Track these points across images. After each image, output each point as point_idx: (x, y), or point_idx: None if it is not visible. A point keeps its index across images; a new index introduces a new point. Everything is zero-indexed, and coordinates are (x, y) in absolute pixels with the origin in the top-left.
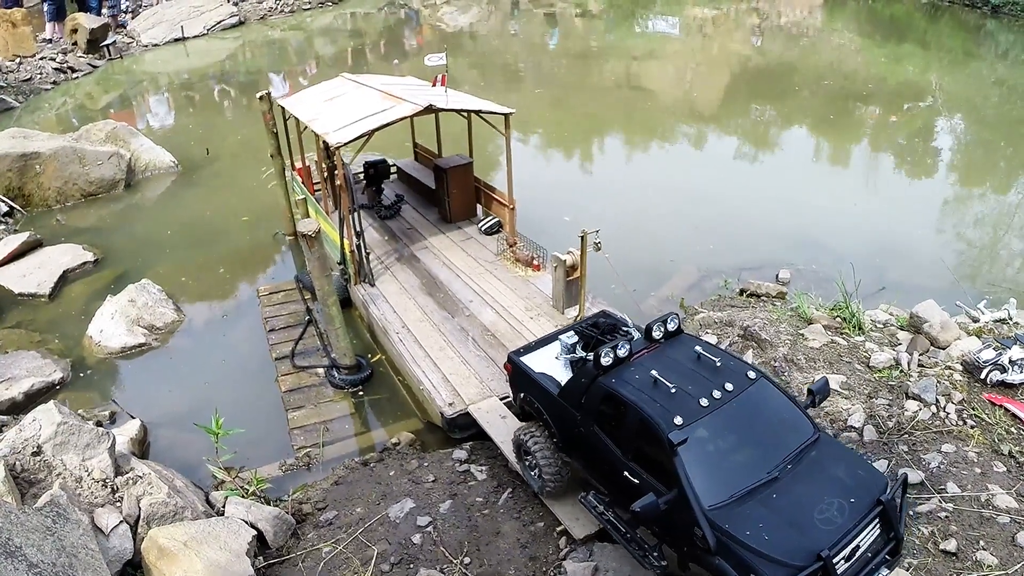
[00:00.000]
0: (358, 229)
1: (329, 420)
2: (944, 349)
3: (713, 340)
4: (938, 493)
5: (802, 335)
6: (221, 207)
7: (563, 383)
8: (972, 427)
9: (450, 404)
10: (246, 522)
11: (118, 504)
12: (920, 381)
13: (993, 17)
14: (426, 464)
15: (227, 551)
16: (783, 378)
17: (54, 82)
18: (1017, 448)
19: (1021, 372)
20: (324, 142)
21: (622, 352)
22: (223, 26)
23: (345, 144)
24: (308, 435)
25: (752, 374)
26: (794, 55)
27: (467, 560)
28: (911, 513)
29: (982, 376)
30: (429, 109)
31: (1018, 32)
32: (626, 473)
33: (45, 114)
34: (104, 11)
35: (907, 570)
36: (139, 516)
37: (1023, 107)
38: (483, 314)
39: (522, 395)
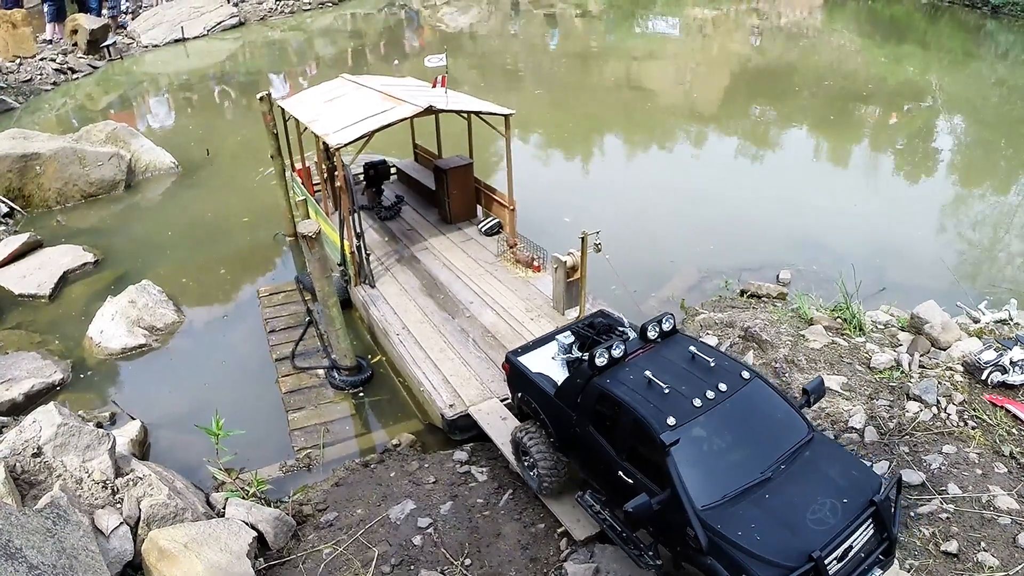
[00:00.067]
0: (358, 230)
1: (329, 421)
2: (945, 350)
3: (714, 341)
4: (939, 494)
5: (803, 336)
6: (221, 208)
7: (560, 383)
8: (973, 428)
9: (451, 406)
10: (247, 523)
11: (118, 505)
12: (921, 382)
13: (993, 17)
14: (427, 465)
15: (228, 552)
16: (784, 379)
17: (54, 83)
18: (1018, 449)
19: (1022, 373)
20: (324, 143)
21: (617, 352)
22: (223, 27)
23: (345, 145)
24: (309, 436)
25: (746, 374)
26: (794, 56)
27: (468, 562)
28: (912, 514)
29: (983, 377)
30: (429, 110)
31: (1018, 32)
32: (620, 473)
33: (45, 115)
34: (104, 12)
35: (908, 572)
36: (139, 517)
37: (1023, 107)
38: (483, 315)
39: (520, 395)
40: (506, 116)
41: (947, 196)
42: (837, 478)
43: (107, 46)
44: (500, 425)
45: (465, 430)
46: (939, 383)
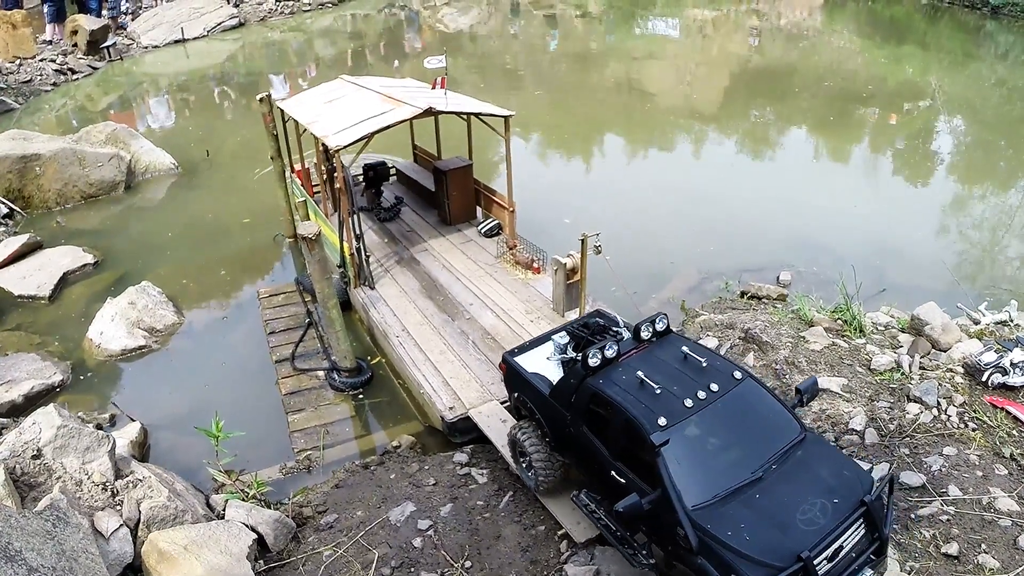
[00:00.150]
0: (358, 232)
1: (329, 423)
2: (945, 351)
3: (714, 343)
4: (940, 496)
5: (803, 338)
6: (221, 209)
7: (555, 383)
8: (974, 430)
9: (450, 408)
10: (246, 525)
11: (118, 508)
12: (921, 384)
13: (993, 18)
14: (427, 467)
15: (227, 555)
16: (784, 381)
17: (54, 84)
18: (1019, 451)
19: (1022, 375)
20: (323, 145)
21: (610, 353)
22: (223, 28)
23: (345, 147)
24: (308, 438)
25: (738, 374)
26: (794, 56)
27: (468, 564)
28: (912, 516)
29: (983, 379)
30: (429, 112)
31: (1018, 33)
32: (613, 473)
33: (45, 116)
34: (104, 13)
35: (909, 574)
36: (139, 519)
37: (1023, 108)
38: (483, 317)
39: (516, 395)
40: (506, 118)
41: (947, 197)
42: (828, 478)
43: (107, 47)
44: (500, 427)
45: (465, 432)
46: (939, 385)
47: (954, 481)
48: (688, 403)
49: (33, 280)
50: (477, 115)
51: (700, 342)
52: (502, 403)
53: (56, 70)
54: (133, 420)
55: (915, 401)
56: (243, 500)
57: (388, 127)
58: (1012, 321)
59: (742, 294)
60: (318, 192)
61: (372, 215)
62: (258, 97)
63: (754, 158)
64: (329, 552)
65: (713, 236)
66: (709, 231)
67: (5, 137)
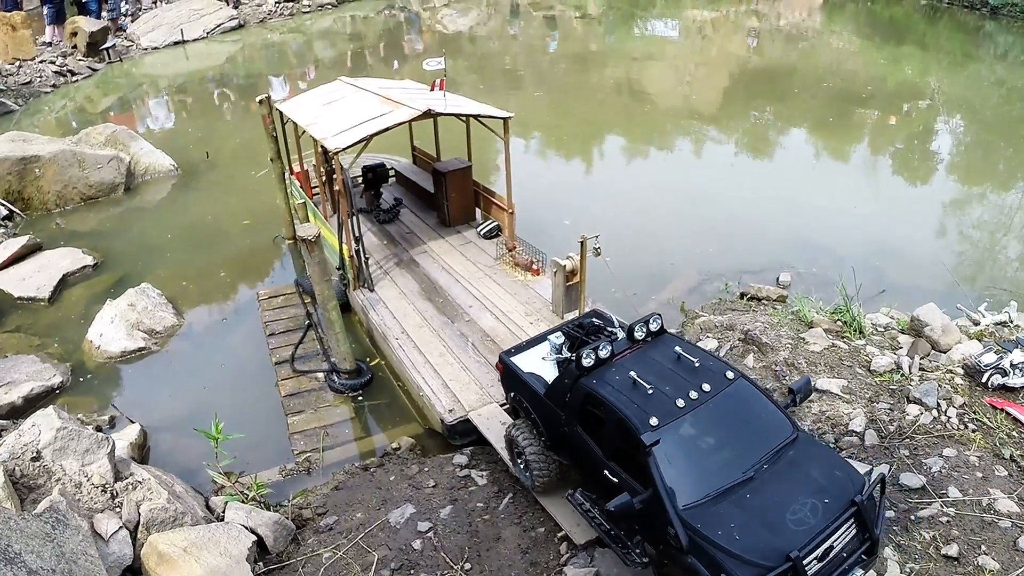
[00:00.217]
0: (357, 234)
1: (329, 425)
2: (945, 353)
3: (714, 344)
4: (940, 498)
5: (803, 339)
6: (221, 210)
7: (550, 383)
8: (973, 431)
9: (450, 411)
10: (246, 527)
11: (118, 510)
12: (921, 385)
13: (992, 19)
14: (426, 469)
15: (227, 557)
16: (784, 382)
17: (54, 85)
18: (1018, 452)
19: (1022, 376)
20: (322, 147)
21: (604, 353)
22: (223, 29)
23: (344, 150)
24: (308, 440)
25: (730, 374)
26: (793, 57)
27: (468, 566)
28: (912, 518)
29: (983, 380)
30: (428, 114)
31: (1017, 33)
32: (606, 472)
33: (45, 117)
34: (104, 14)
35: (908, 575)
36: (139, 522)
37: (1022, 108)
38: (482, 319)
39: (512, 394)
40: (504, 119)
41: (946, 197)
42: (819, 478)
43: (106, 48)
44: (500, 429)
45: (465, 435)
46: (939, 386)
47: (954, 482)
48: (680, 403)
49: (33, 282)
50: (476, 117)
51: (700, 343)
52: (501, 405)
53: (56, 72)
54: (133, 422)
55: (915, 402)
56: (243, 502)
57: (387, 129)
58: (1012, 322)
59: (742, 295)
60: (317, 194)
61: (371, 217)
62: (257, 99)
63: (754, 159)
64: (329, 554)
65: (713, 237)
66: (709, 232)
67: (5, 139)
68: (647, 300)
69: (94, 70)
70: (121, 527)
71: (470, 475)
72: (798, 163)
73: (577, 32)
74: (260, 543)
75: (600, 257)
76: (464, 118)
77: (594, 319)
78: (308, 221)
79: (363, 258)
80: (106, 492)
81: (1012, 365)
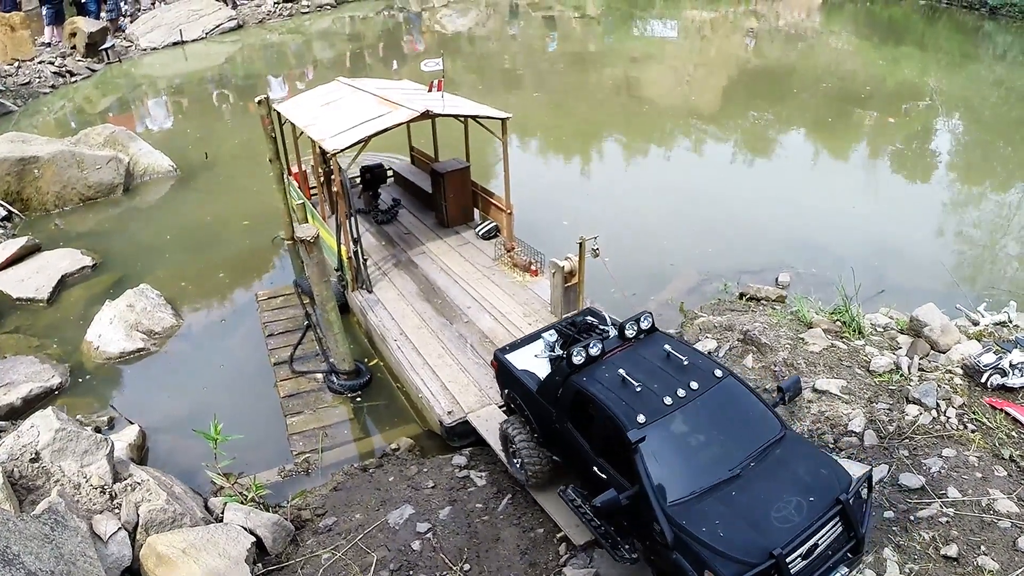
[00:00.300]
0: (355, 235)
1: (328, 425)
2: (944, 353)
3: (713, 344)
4: (939, 498)
5: (802, 339)
6: (220, 211)
7: (542, 380)
8: (973, 431)
9: (449, 413)
10: (245, 528)
11: (116, 511)
12: (920, 385)
13: (991, 19)
14: (425, 470)
15: (226, 558)
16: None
17: (53, 86)
18: (1018, 452)
19: (1022, 376)
20: (320, 148)
21: (594, 351)
22: (221, 30)
23: (341, 151)
24: (307, 440)
25: (718, 372)
26: (792, 58)
27: (467, 567)
28: (912, 518)
29: (983, 380)
30: (425, 115)
31: (1016, 33)
32: (595, 468)
33: (44, 118)
34: (103, 15)
35: (908, 575)
36: (137, 523)
37: (1021, 108)
38: (481, 320)
39: (507, 391)
40: (503, 120)
41: (945, 197)
42: (806, 476)
43: (105, 49)
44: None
45: (464, 436)
46: (938, 386)
47: (953, 483)
48: (667, 401)
49: (32, 283)
50: (474, 117)
51: (699, 344)
52: (500, 407)
53: (55, 72)
54: (132, 423)
55: (914, 403)
56: (241, 503)
57: (385, 130)
58: (1011, 322)
59: (741, 296)
60: (315, 195)
61: (369, 217)
62: (256, 99)
63: (753, 159)
64: (328, 555)
65: (712, 237)
66: (708, 232)
67: (3, 139)
68: (646, 300)
69: (93, 71)
70: (120, 528)
71: (469, 476)
72: (797, 163)
73: (576, 32)
74: (259, 544)
75: (599, 258)
76: (462, 119)
77: (588, 317)
78: (307, 222)
79: (361, 259)
80: (105, 493)
81: (1011, 365)
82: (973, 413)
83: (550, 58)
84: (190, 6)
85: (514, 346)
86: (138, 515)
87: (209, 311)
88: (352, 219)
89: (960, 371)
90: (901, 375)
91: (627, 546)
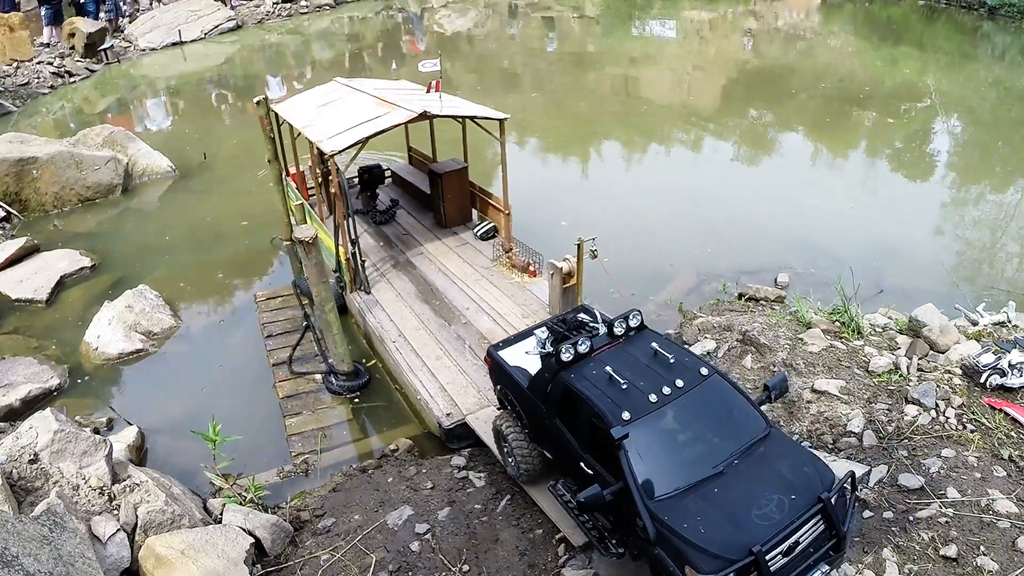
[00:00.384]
0: (353, 236)
1: (327, 426)
2: (943, 353)
3: (712, 345)
4: (938, 498)
5: (801, 339)
6: (219, 212)
7: (532, 376)
8: (972, 431)
9: (447, 414)
10: (244, 530)
11: (115, 512)
12: (919, 385)
13: (990, 19)
14: (424, 471)
15: (225, 559)
16: None
17: (51, 86)
18: (1017, 452)
19: (1021, 376)
20: (318, 149)
21: (582, 348)
22: (220, 30)
23: (339, 152)
24: (306, 441)
25: (704, 370)
26: (791, 58)
27: (466, 568)
28: (911, 519)
29: (982, 380)
30: (423, 116)
31: (1015, 34)
32: (582, 464)
33: (42, 118)
34: (101, 15)
35: None
36: (136, 524)
37: (1020, 108)
38: (479, 321)
39: (499, 387)
40: (500, 120)
41: (944, 197)
42: (789, 474)
43: (104, 49)
44: None
45: (463, 438)
46: (938, 386)
47: (952, 483)
48: (653, 398)
49: (30, 283)
50: (472, 118)
51: (698, 344)
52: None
53: (53, 73)
54: (130, 424)
55: (913, 403)
56: (240, 504)
57: (383, 131)
58: (1010, 322)
59: (740, 296)
60: (313, 195)
61: (367, 218)
62: (255, 100)
63: (752, 159)
64: (327, 556)
65: (711, 237)
66: (707, 232)
67: (2, 140)
68: (645, 301)
69: (92, 71)
70: (119, 529)
71: (468, 477)
72: (796, 163)
73: (575, 33)
74: (258, 545)
75: (597, 259)
76: (460, 119)
77: (579, 315)
78: (305, 222)
79: (359, 260)
80: (104, 494)
81: (1010, 365)
82: (972, 413)
83: (549, 58)
84: (189, 6)
85: (507, 343)
86: (137, 516)
87: (208, 312)
88: (350, 220)
89: (959, 371)
90: (900, 375)
91: (613, 541)
